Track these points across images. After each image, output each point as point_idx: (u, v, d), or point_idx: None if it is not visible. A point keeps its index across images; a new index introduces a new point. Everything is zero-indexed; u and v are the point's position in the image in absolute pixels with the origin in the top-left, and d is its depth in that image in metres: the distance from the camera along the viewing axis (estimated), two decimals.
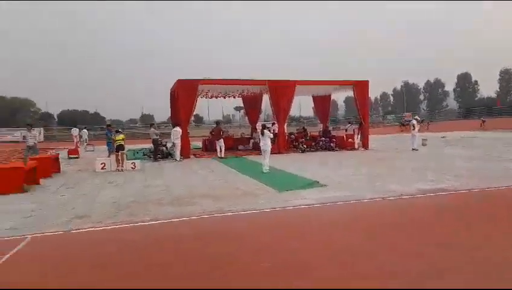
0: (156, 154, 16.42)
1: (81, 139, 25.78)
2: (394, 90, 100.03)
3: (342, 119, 63.26)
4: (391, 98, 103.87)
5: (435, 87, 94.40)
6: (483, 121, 39.02)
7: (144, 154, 18.25)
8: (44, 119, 70.49)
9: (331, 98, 23.99)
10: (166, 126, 40.34)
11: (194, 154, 17.23)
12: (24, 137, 14.77)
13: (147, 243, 5.32)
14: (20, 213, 7.04)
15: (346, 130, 21.08)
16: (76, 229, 5.93)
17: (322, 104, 23.34)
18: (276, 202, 7.46)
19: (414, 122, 18.51)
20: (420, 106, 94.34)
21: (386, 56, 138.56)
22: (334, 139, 19.81)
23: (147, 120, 74.78)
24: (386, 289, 3.61)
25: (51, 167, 12.13)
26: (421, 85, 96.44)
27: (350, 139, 19.82)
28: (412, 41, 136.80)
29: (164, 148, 17.33)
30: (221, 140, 16.75)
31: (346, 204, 7.32)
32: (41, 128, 40.66)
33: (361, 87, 19.28)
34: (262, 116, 34.34)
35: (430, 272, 3.96)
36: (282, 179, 10.37)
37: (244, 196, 8.20)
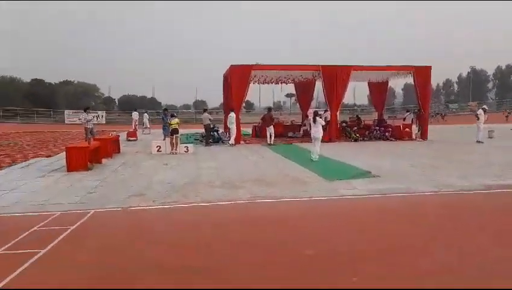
0: (208, 139, 16.85)
1: (142, 122, 26.94)
2: (459, 76, 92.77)
3: (399, 108, 60.29)
4: (455, 85, 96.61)
5: (506, 74, 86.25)
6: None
7: (196, 139, 18.82)
8: (107, 104, 75.16)
9: (388, 85, 22.92)
10: (217, 112, 41.20)
11: (244, 140, 17.43)
12: (80, 119, 15.80)
13: (197, 223, 5.50)
14: (85, 189, 7.61)
15: (404, 119, 20.09)
16: (134, 207, 6.29)
17: (378, 91, 22.40)
18: (325, 191, 7.34)
19: (480, 112, 17.12)
20: (488, 94, 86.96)
21: (451, 41, 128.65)
22: (389, 129, 18.97)
23: (200, 106, 76.86)
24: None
25: (112, 147, 12.94)
26: (491, 72, 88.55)
27: (407, 129, 18.87)
28: (480, 27, 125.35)
29: (216, 133, 17.72)
30: (272, 127, 16.75)
31: (400, 197, 7.00)
32: (104, 112, 43.44)
33: (422, 73, 18.16)
34: (314, 103, 33.73)
35: (489, 271, 3.68)
36: (332, 167, 10.16)
37: (293, 182, 8.17)
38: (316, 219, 5.71)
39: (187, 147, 13.74)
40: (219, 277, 3.63)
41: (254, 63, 17.34)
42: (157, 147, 13.66)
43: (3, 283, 3.44)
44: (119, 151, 13.74)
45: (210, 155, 13.22)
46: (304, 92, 23.49)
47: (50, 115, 46.35)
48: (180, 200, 6.67)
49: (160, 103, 77.69)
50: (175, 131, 13.66)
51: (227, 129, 20.76)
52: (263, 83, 21.37)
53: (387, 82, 22.07)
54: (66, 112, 41.86)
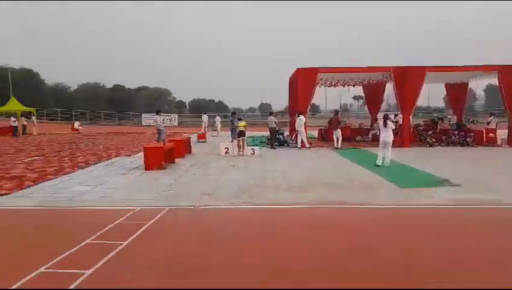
0: (273, 141, 16.98)
1: (215, 125, 27.93)
2: None
3: (481, 111, 55.17)
4: None
5: None
6: None
7: (262, 142, 19.07)
8: (178, 107, 79.57)
9: (468, 87, 21.12)
10: (283, 115, 41.29)
11: (310, 144, 17.26)
12: (157, 121, 16.92)
13: (264, 225, 5.55)
14: (160, 187, 8.12)
15: (487, 124, 18.36)
16: (204, 206, 6.56)
17: (457, 93, 20.75)
18: (397, 198, 6.98)
19: None
20: None
21: None
22: (471, 134, 17.43)
23: (265, 109, 77.77)
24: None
25: (184, 148, 13.64)
26: None
27: (491, 134, 17.19)
28: None
29: (281, 136, 17.80)
30: (339, 130, 16.37)
31: (484, 209, 6.40)
32: (176, 115, 45.97)
33: (509, 73, 16.43)
34: (384, 105, 32.29)
35: None
36: (405, 174, 9.63)
37: (361, 188, 7.89)
38: (387, 227, 5.44)
39: (253, 149, 13.99)
40: (287, 278, 3.62)
41: (320, 66, 17.11)
42: (225, 148, 14.10)
43: (94, 268, 3.80)
44: (190, 152, 14.45)
45: (276, 158, 13.30)
46: (373, 95, 22.60)
47: (129, 118, 50.29)
48: (248, 201, 6.80)
49: (227, 106, 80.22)
50: (241, 133, 13.98)
51: (292, 132, 20.75)
52: (330, 86, 20.98)
53: (466, 83, 20.35)
54: (143, 114, 45.05)
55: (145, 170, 10.34)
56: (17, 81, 50.24)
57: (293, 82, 19.64)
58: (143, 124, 42.53)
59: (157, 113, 17.20)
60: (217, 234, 5.06)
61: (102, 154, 14.45)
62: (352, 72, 18.09)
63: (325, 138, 19.89)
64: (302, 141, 16.34)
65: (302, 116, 16.39)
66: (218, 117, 29.04)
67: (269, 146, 17.12)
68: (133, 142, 20.11)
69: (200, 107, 68.40)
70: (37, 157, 13.36)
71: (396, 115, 18.04)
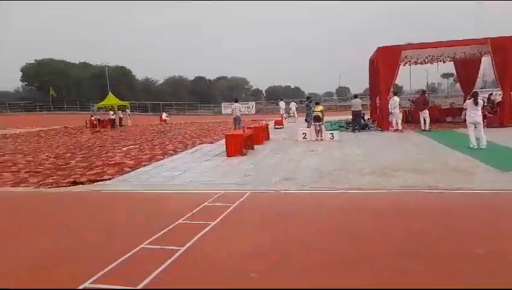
0: (354, 125, 16.42)
1: (290, 112, 28.01)
2: None
3: None
4: None
5: None
6: None
7: (341, 126, 18.55)
8: (255, 95, 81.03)
9: None
10: (362, 98, 39.49)
11: (392, 126, 16.32)
12: (234, 110, 17.50)
13: (347, 210, 5.44)
14: (241, 172, 8.42)
15: None
16: (285, 190, 6.64)
17: None
18: (499, 183, 6.28)
19: None
20: None
21: None
22: None
23: (343, 93, 75.23)
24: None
25: (263, 135, 13.91)
26: None
27: None
28: None
29: (362, 119, 17.12)
30: (426, 111, 15.16)
31: None
32: (254, 103, 46.93)
33: None
34: (478, 82, 29.03)
35: None
36: (506, 156, 8.60)
37: (454, 172, 7.25)
38: (486, 214, 4.94)
39: (332, 134, 13.69)
40: (370, 266, 3.52)
41: (404, 43, 15.95)
42: (303, 134, 14.04)
43: (187, 245, 4.13)
44: (268, 139, 14.69)
45: (357, 142, 12.86)
46: (466, 71, 20.40)
47: (210, 107, 52.76)
48: (329, 186, 6.72)
49: (303, 92, 79.45)
50: (318, 118, 13.75)
51: (374, 115, 19.80)
52: (415, 64, 19.47)
53: None
54: (223, 103, 46.87)
55: (227, 156, 10.79)
56: (113, 78, 55.73)
57: (373, 62, 18.65)
58: (223, 112, 44.25)
59: (235, 102, 17.79)
60: (297, 218, 5.11)
61: (188, 142, 15.41)
62: (441, 48, 16.52)
63: (409, 119, 18.63)
64: (396, 124, 15.54)
65: (396, 97, 15.62)
66: (293, 103, 28.93)
67: (348, 130, 16.60)
68: (215, 131, 21.08)
69: (276, 94, 68.80)
70: (133, 146, 14.77)
71: (491, 94, 16.13)
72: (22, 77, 65.46)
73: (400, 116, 15.78)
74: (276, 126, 20.41)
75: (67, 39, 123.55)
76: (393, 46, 15.82)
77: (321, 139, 13.54)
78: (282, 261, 3.67)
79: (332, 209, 5.52)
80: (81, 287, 3.26)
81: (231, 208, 5.60)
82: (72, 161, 11.49)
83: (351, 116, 17.51)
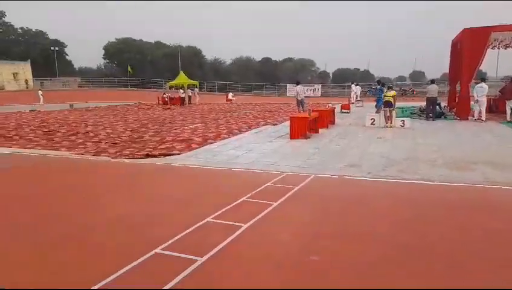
0: (429, 112, 15.34)
1: (354, 95, 27.08)
2: None
3: None
4: None
5: None
6: None
7: (413, 113, 17.44)
8: (322, 77, 79.19)
9: None
10: (438, 84, 36.57)
11: (472, 116, 14.97)
12: (298, 92, 17.21)
13: (416, 201, 5.15)
14: (305, 155, 8.36)
15: None
16: (349, 176, 6.47)
17: None
18: None
19: None
20: None
21: None
22: None
23: (418, 77, 70.40)
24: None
25: (328, 119, 13.61)
26: None
27: None
28: None
29: (438, 107, 15.92)
30: None
31: None
32: (319, 85, 45.89)
33: None
34: None
35: None
36: None
37: None
38: None
39: (403, 121, 12.95)
40: (441, 264, 3.32)
41: (496, 24, 14.32)
42: (371, 119, 13.47)
43: (250, 223, 4.24)
44: (334, 123, 14.34)
45: (431, 131, 12.03)
46: None
47: (275, 88, 52.74)
48: (397, 175, 6.41)
49: (373, 75, 75.83)
50: (389, 104, 13.05)
51: (451, 103, 18.31)
52: (505, 48, 17.46)
53: None
54: (288, 85, 46.53)
55: (290, 138, 10.76)
56: (184, 57, 58.07)
57: (456, 45, 17.09)
58: (287, 94, 43.97)
59: (297, 84, 17.53)
60: (361, 205, 4.97)
61: (252, 122, 15.63)
62: None
63: (493, 109, 16.92)
64: (479, 113, 14.28)
65: (484, 84, 14.29)
66: (358, 87, 27.83)
67: (422, 118, 15.57)
68: (278, 112, 21.08)
69: (344, 76, 66.59)
70: (200, 124, 15.36)
71: None
72: (103, 55, 71.06)
73: (485, 105, 14.37)
74: (343, 110, 19.81)
75: (142, 19, 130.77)
76: (481, 27, 14.31)
77: (391, 126, 12.88)
78: (343, 249, 3.62)
79: (399, 200, 5.27)
80: (152, 253, 3.52)
81: (294, 190, 5.60)
82: (146, 135, 12.29)
83: (425, 103, 16.36)
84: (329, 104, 16.32)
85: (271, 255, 3.51)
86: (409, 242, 3.75)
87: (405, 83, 61.56)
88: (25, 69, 53.80)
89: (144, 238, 3.93)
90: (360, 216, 4.55)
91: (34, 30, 67.82)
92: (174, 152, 9.10)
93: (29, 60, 55.05)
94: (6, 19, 66.64)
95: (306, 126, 10.85)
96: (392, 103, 13.05)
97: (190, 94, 32.11)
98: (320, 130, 12.10)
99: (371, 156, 8.07)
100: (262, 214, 4.55)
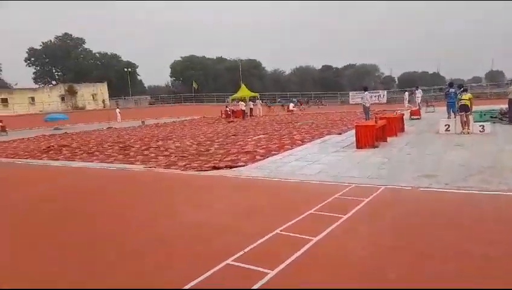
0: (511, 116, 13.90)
1: (418, 101, 25.52)
2: None
3: None
4: None
5: None
6: None
7: (493, 117, 15.90)
8: (386, 83, 75.99)
9: None
10: None
11: None
12: (362, 98, 16.60)
13: (508, 215, 4.63)
14: (373, 165, 8.00)
15: None
16: (425, 187, 6.04)
17: None
18: None
19: None
20: None
21: None
22: None
23: (496, 77, 64.54)
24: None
25: (397, 126, 12.94)
26: None
27: None
28: None
29: None
30: None
31: None
32: (385, 91, 44.07)
33: None
34: None
35: None
36: None
37: None
38: None
39: (483, 126, 11.86)
40: None
41: None
42: (445, 125, 12.54)
43: (320, 236, 4.12)
44: (403, 130, 13.60)
45: None
46: None
47: (336, 97, 51.76)
48: (479, 186, 5.84)
49: (443, 77, 71.03)
50: (465, 107, 12.04)
51: None
52: None
53: None
54: (350, 93, 45.39)
55: (357, 148, 10.39)
56: (245, 70, 59.55)
57: None
58: (350, 102, 42.86)
59: (364, 90, 16.96)
60: (440, 219, 4.59)
61: (315, 132, 15.41)
62: None
63: None
64: None
65: None
66: (419, 90, 26.11)
67: (504, 122, 14.14)
68: (342, 121, 20.56)
69: (411, 81, 63.24)
70: (262, 136, 15.52)
71: None
72: (170, 73, 75.56)
73: None
74: (412, 116, 18.72)
75: (205, 38, 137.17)
76: None
77: (468, 132, 11.87)
78: (421, 267, 3.35)
79: (485, 214, 4.77)
80: (223, 264, 3.56)
81: (364, 202, 5.36)
82: (211, 148, 12.70)
83: (506, 106, 14.86)
84: (398, 111, 15.52)
85: (345, 270, 3.36)
86: (504, 268, 3.35)
87: (481, 85, 56.67)
88: (102, 90, 59.15)
89: (215, 248, 4.01)
90: (438, 231, 4.19)
91: (109, 54, 74.50)
92: (239, 164, 9.27)
93: (105, 82, 60.45)
94: (85, 46, 74.25)
95: (373, 135, 10.41)
96: (469, 106, 12.05)
97: (251, 106, 32.72)
98: (388, 139, 11.53)
99: (448, 165, 7.47)
100: (332, 227, 4.41)
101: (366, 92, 16.88)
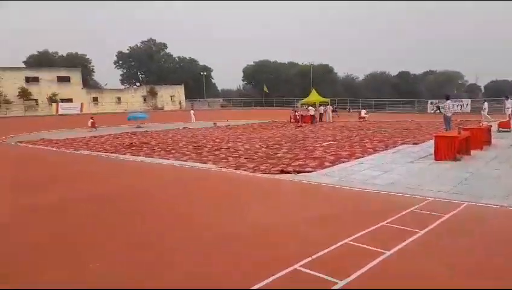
0: None
1: (509, 112, 22.97)
2: None
3: None
4: None
5: None
6: None
7: None
8: (471, 91, 69.79)
9: None
10: None
11: None
12: (438, 107, 15.35)
13: None
14: (454, 180, 7.39)
15: None
16: None
17: None
18: None
19: None
20: None
21: None
22: None
23: None
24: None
25: (482, 139, 11.80)
26: None
27: None
28: None
29: None
30: None
31: None
32: (469, 100, 40.52)
33: None
34: None
35: None
36: None
37: None
38: None
39: None
40: None
41: None
42: None
43: (393, 250, 3.92)
44: (490, 144, 12.36)
45: None
46: None
47: (413, 105, 48.80)
48: None
49: None
50: None
51: None
52: None
53: None
54: (429, 101, 42.50)
55: (435, 159, 9.69)
56: (317, 75, 58.93)
57: None
58: (428, 111, 40.12)
59: (446, 99, 15.72)
60: None
61: (388, 141, 14.69)
62: None
63: None
64: None
65: None
66: (510, 100, 23.25)
67: None
68: (419, 130, 19.33)
69: (500, 90, 57.26)
70: (332, 142, 15.21)
71: None
72: (242, 77, 77.66)
73: None
74: (501, 128, 16.94)
75: (277, 44, 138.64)
76: None
77: None
78: None
79: None
80: (291, 268, 3.56)
81: (443, 218, 4.98)
82: (279, 152, 12.77)
83: None
84: (484, 122, 14.17)
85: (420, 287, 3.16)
86: None
87: None
88: (179, 92, 62.84)
89: (282, 252, 4.02)
90: None
91: (188, 58, 78.96)
92: (307, 169, 9.19)
93: (183, 84, 64.13)
94: (167, 50, 79.68)
95: (455, 146, 9.62)
96: None
97: (321, 112, 32.25)
98: (472, 152, 10.57)
99: None
100: (407, 241, 4.16)
101: (449, 101, 15.65)
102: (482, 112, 23.55)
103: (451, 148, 9.57)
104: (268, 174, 8.87)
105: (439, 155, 9.67)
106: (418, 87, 67.43)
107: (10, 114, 45.05)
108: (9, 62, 76.94)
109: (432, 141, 10.71)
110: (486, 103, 24.30)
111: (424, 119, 29.80)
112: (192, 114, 34.33)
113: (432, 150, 10.15)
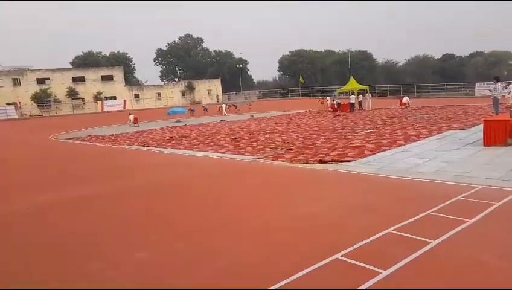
0: None
1: None
2: None
3: None
4: None
5: None
6: None
7: None
8: None
9: None
10: None
11: None
12: (490, 90, 14.41)
13: None
14: (506, 166, 6.97)
15: None
16: None
17: None
18: None
19: None
20: None
21: None
22: None
23: None
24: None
25: None
26: None
27: None
28: None
29: None
30: None
31: None
32: None
33: None
34: None
35: None
36: None
37: None
38: None
39: None
40: None
41: None
42: None
43: (438, 240, 3.77)
44: None
45: None
46: None
47: (459, 89, 46.23)
48: None
49: None
50: None
51: None
52: None
53: None
54: (477, 84, 40.05)
55: (484, 145, 9.17)
56: (355, 62, 57.31)
57: None
58: (476, 95, 37.85)
59: (496, 81, 14.73)
60: None
61: (432, 127, 14.07)
62: None
63: None
64: None
65: None
66: None
67: None
68: (466, 115, 18.32)
69: None
70: (372, 130, 14.79)
71: None
72: (278, 68, 77.12)
73: None
74: None
75: (314, 33, 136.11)
76: None
77: None
78: None
79: None
80: (333, 257, 3.53)
81: (494, 206, 4.72)
82: (317, 142, 12.62)
83: None
84: None
85: (467, 279, 3.02)
86: None
87: None
88: (216, 86, 63.65)
89: (324, 241, 4.00)
90: None
91: (224, 51, 79.59)
92: (347, 159, 9.02)
93: (219, 78, 64.86)
94: (204, 45, 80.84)
95: (506, 131, 9.03)
96: None
97: (361, 99, 31.40)
98: None
99: None
100: (454, 231, 3.99)
101: (499, 83, 14.67)
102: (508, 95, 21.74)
103: (503, 133, 9.00)
104: (306, 165, 8.81)
105: (488, 140, 9.13)
106: (464, 70, 63.67)
107: (60, 113, 47.89)
108: (57, 64, 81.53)
109: (481, 126, 10.14)
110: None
111: (471, 103, 28.17)
112: (223, 107, 35.02)
113: (481, 136, 9.61)
